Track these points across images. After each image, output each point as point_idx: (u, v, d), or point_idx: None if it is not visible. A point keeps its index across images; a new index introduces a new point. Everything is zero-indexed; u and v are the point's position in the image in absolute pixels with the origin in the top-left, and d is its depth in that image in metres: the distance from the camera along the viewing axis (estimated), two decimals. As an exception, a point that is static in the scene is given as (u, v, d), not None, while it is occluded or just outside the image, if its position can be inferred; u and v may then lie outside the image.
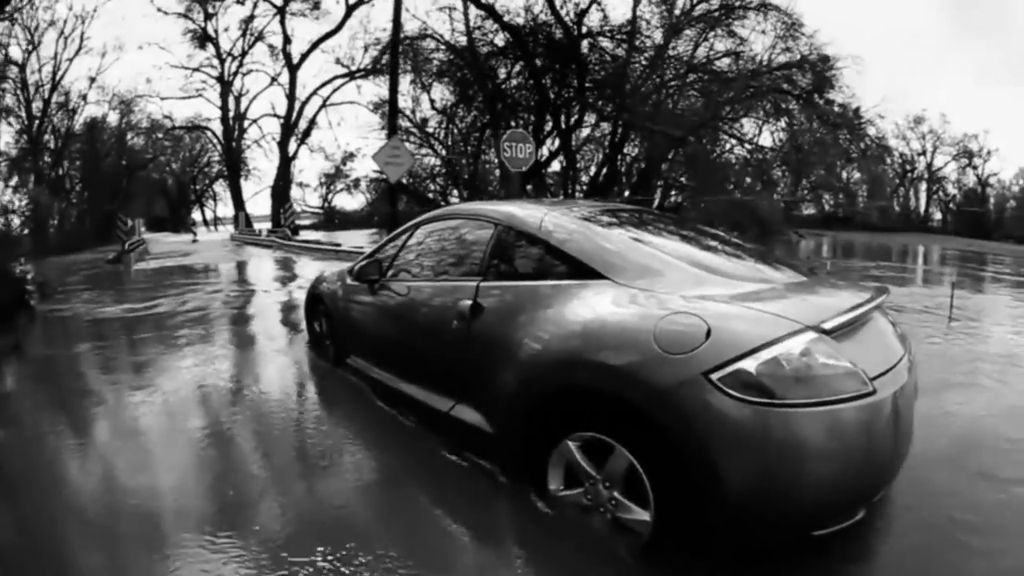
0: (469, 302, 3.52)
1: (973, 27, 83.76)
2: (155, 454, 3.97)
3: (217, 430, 4.31)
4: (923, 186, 46.70)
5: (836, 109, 30.30)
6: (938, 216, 46.53)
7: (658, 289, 2.87)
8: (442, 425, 3.72)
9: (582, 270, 3.15)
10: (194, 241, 32.74)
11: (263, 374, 5.78)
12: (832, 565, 2.70)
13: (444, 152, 33.03)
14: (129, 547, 2.91)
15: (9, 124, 36.26)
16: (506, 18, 28.94)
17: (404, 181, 29.58)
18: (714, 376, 2.39)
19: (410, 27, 29.70)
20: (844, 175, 36.37)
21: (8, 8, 31.01)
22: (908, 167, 45.30)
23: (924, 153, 46.03)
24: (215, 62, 44.14)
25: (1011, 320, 9.24)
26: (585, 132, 32.33)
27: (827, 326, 2.52)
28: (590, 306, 2.94)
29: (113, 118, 43.15)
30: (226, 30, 51.12)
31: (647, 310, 2.74)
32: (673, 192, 31.18)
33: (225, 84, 44.78)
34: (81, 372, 6.12)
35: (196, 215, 51.40)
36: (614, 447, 2.67)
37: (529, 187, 26.43)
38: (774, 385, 2.35)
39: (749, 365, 2.38)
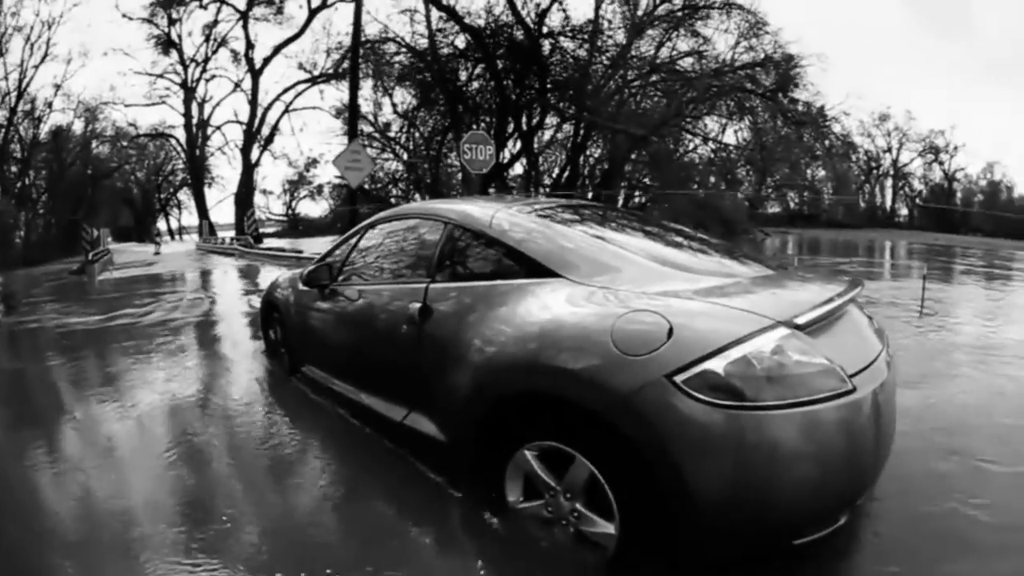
0: (418, 305, 3.35)
1: (938, 23, 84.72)
2: (111, 469, 3.80)
3: (173, 442, 4.14)
4: (889, 182, 47.00)
5: (800, 107, 30.60)
6: (904, 212, 46.87)
7: (617, 286, 2.68)
8: (398, 435, 3.55)
9: (535, 268, 2.97)
10: (157, 253, 31.64)
11: (218, 385, 5.55)
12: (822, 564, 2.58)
13: (406, 156, 32.99)
14: (101, 555, 2.83)
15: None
16: (467, 20, 29.01)
17: (366, 186, 29.50)
18: (678, 378, 2.22)
19: (372, 30, 29.82)
20: (809, 173, 36.71)
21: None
22: (873, 164, 45.46)
23: (890, 150, 46.27)
24: (179, 68, 43.76)
25: (981, 312, 9.21)
26: (548, 134, 32.48)
27: (800, 321, 2.36)
28: (543, 305, 2.76)
29: (78, 126, 42.77)
30: (189, 35, 50.38)
31: (604, 308, 2.56)
32: (637, 192, 31.22)
33: (188, 90, 44.40)
34: (43, 384, 5.97)
35: (161, 224, 50.71)
36: (574, 456, 2.48)
37: (491, 190, 26.31)
38: (744, 386, 2.19)
39: (716, 365, 2.21)
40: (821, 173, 38.05)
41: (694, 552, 2.29)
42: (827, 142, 33.19)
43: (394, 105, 33.03)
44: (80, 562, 2.85)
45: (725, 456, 2.18)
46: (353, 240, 4.57)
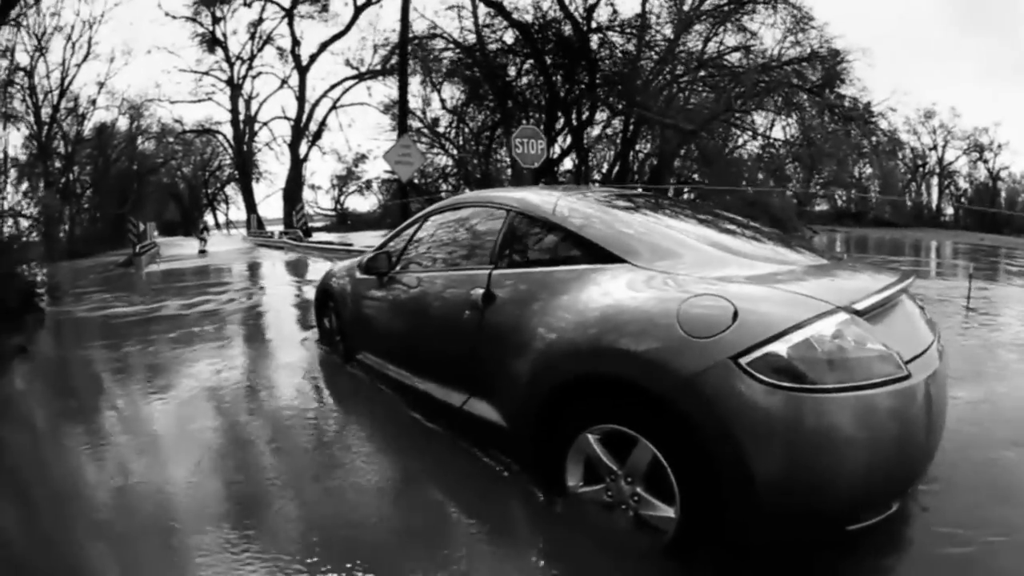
0: (481, 291, 3.41)
1: (981, 22, 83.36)
2: (163, 452, 3.88)
3: (225, 428, 4.27)
4: (935, 181, 46.33)
5: (847, 103, 30.30)
6: (950, 211, 45.93)
7: (679, 271, 2.73)
8: (456, 421, 3.60)
9: (599, 254, 3.02)
10: (202, 252, 26.87)
11: (271, 372, 5.70)
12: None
13: (455, 152, 33.15)
14: (144, 548, 2.82)
15: (18, 130, 36.36)
16: (515, 15, 29.09)
17: (416, 181, 29.73)
18: (743, 360, 2.27)
19: (419, 27, 30.03)
20: (856, 170, 36.42)
21: (13, 13, 31.06)
22: (920, 162, 44.84)
23: (935, 147, 45.53)
24: (224, 65, 44.35)
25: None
26: (596, 130, 32.43)
27: (859, 307, 2.41)
28: (608, 291, 2.80)
29: (123, 123, 43.26)
30: (234, 33, 51.15)
31: (669, 293, 2.60)
32: (686, 188, 30.94)
33: (235, 87, 44.97)
34: (90, 372, 6.04)
35: (208, 218, 51.08)
36: (637, 439, 2.53)
37: (542, 184, 26.37)
38: (806, 369, 2.23)
39: (780, 348, 2.26)
40: (868, 171, 37.77)
41: (752, 535, 2.34)
42: (874, 138, 32.86)
43: (442, 101, 33.27)
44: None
45: (785, 438, 2.22)
46: (411, 230, 4.64)
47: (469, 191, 31.84)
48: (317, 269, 16.10)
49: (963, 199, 45.03)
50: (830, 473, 2.24)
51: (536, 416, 2.92)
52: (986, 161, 45.68)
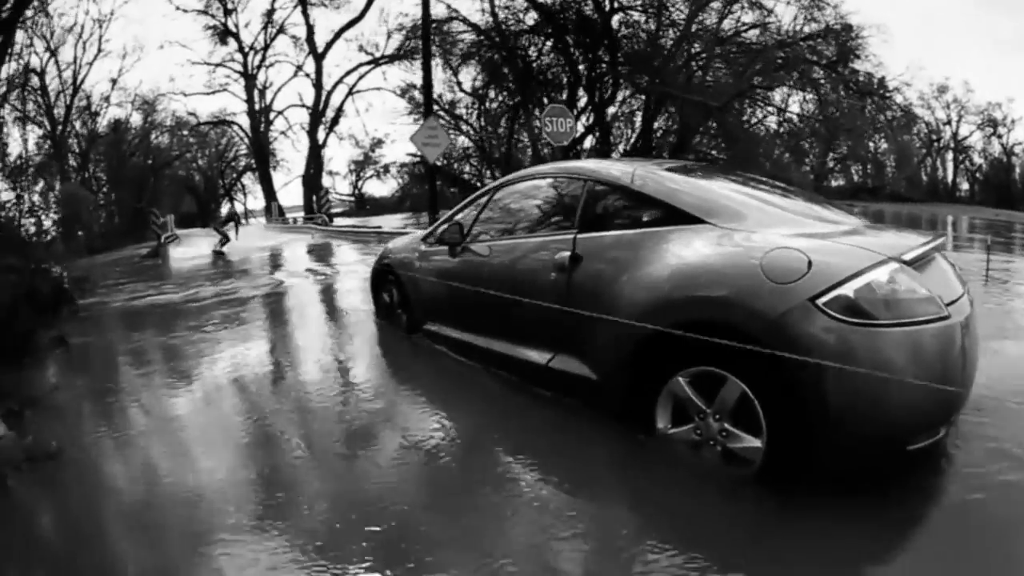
0: (568, 253, 3.65)
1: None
2: (236, 436, 3.85)
3: (331, 386, 4.64)
4: (949, 156, 46.36)
5: (862, 78, 30.71)
6: (965, 186, 46.33)
7: (753, 229, 3.07)
8: (539, 378, 3.84)
9: (681, 216, 3.30)
10: (221, 248, 18.98)
11: (343, 346, 5.94)
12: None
13: (474, 134, 33.35)
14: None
15: (32, 131, 36.60)
16: None
17: (439, 163, 29.95)
18: (819, 301, 2.60)
19: (437, 11, 30.09)
20: (871, 146, 36.51)
21: (22, 17, 31.19)
22: (934, 137, 44.86)
23: (949, 123, 45.48)
24: (238, 57, 44.39)
25: None
26: (614, 109, 32.58)
27: (907, 257, 2.75)
28: (694, 248, 3.11)
29: (137, 118, 43.44)
30: (247, 25, 51.01)
31: (751, 246, 2.94)
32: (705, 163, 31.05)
33: (249, 78, 45.02)
34: (133, 359, 6.04)
35: (225, 207, 50.36)
36: (726, 378, 2.81)
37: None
38: (870, 307, 2.58)
39: (848, 290, 2.60)
40: (884, 146, 37.78)
41: (831, 460, 2.66)
42: (889, 113, 33.12)
43: (459, 83, 33.35)
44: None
45: (856, 368, 2.50)
46: (482, 201, 4.82)
47: (491, 173, 32.27)
48: (346, 253, 16.15)
49: (978, 174, 45.18)
50: (891, 398, 2.55)
51: (630, 365, 3.20)
52: (1000, 136, 45.62)
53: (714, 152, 31.03)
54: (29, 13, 31.80)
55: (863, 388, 2.52)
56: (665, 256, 3.19)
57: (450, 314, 4.90)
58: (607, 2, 28.87)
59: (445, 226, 4.93)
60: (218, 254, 18.06)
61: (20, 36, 33.06)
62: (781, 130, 31.59)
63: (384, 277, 5.99)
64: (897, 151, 37.37)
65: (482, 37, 31.03)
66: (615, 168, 3.88)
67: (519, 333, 4.09)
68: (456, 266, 4.72)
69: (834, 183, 36.26)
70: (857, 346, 2.55)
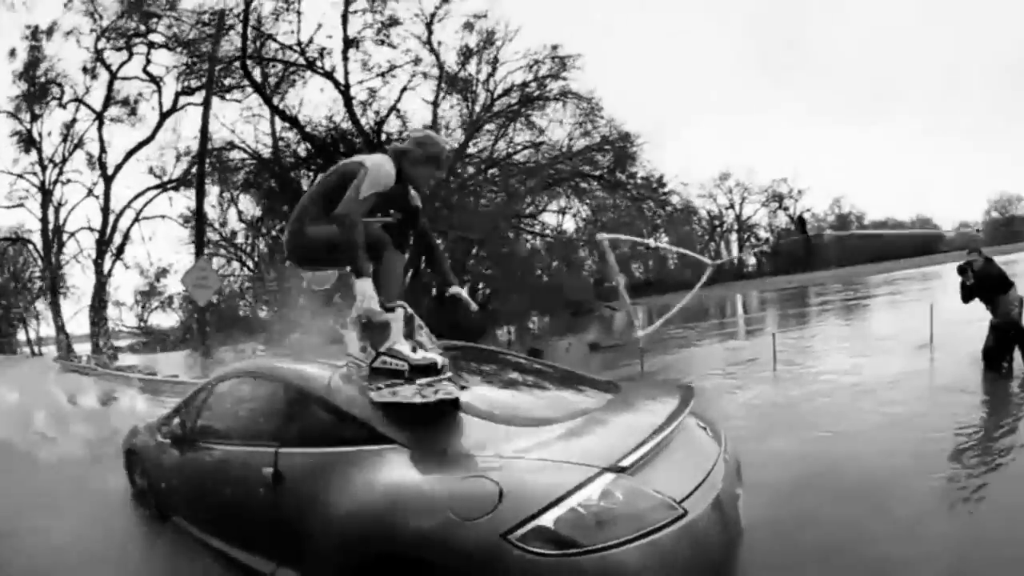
0: (270, 470, 3.45)
1: (770, 73, 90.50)
2: None
3: None
4: (734, 236, 49.29)
5: (639, 181, 32.00)
6: (752, 261, 49.21)
7: (453, 449, 2.91)
8: None
9: (374, 435, 3.10)
10: None
11: (86, 531, 5.43)
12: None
13: (253, 268, 32.77)
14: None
15: None
16: (309, 128, 29.52)
17: (214, 300, 29.26)
18: (513, 537, 2.43)
19: (220, 136, 30.01)
20: (652, 241, 37.67)
21: None
22: (716, 222, 47.90)
23: (732, 206, 48.98)
24: (38, 169, 42.33)
25: (826, 356, 10.60)
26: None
27: (625, 463, 2.58)
28: (386, 475, 2.90)
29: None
30: (49, 134, 48.66)
31: (440, 476, 2.77)
32: (481, 284, 31.39)
33: (46, 193, 42.82)
34: None
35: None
36: None
37: (337, 299, 26.10)
38: (576, 534, 2.40)
39: (547, 520, 2.43)
40: (665, 240, 39.14)
41: None
42: (668, 208, 34.57)
43: (239, 212, 32.88)
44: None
45: None
46: (202, 395, 4.67)
47: (266, 310, 31.06)
48: (125, 401, 15.35)
49: (765, 247, 47.90)
50: None
51: None
52: (786, 208, 49.61)
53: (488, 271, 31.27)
54: None
55: None
56: (357, 483, 2.98)
57: (187, 511, 4.69)
58: (375, 135, 29.11)
59: (168, 420, 4.79)
60: None
61: None
62: (554, 244, 32.33)
63: (132, 459, 5.82)
64: (678, 242, 39.00)
65: (260, 166, 30.80)
66: (314, 371, 3.73)
67: (245, 541, 3.88)
68: (183, 464, 4.53)
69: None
70: None
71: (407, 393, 3.21)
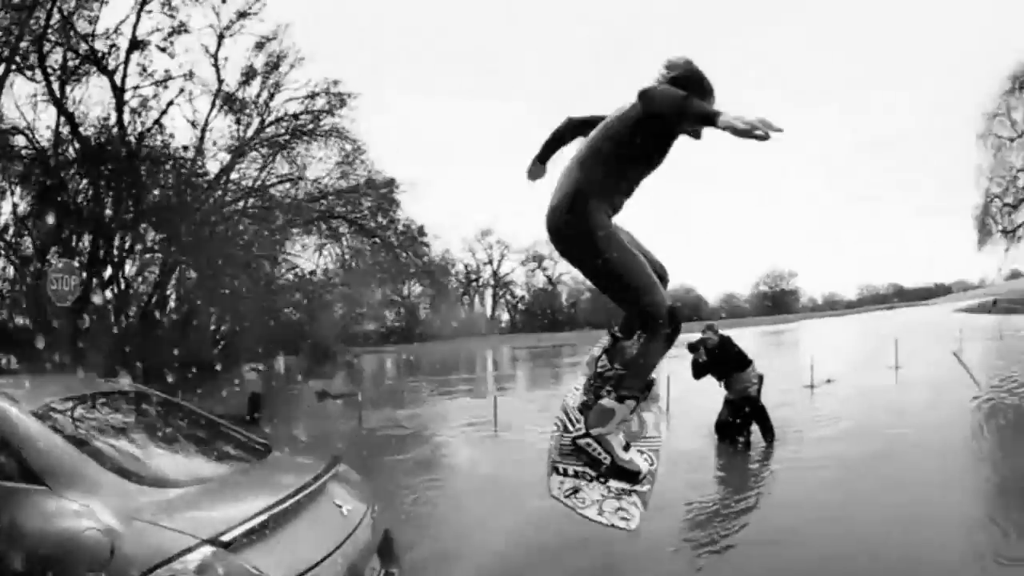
0: None
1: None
2: None
3: None
4: (489, 292, 52.37)
5: (400, 228, 33.67)
6: (506, 317, 51.67)
7: (88, 500, 2.72)
8: None
9: (29, 473, 2.85)
10: None
11: None
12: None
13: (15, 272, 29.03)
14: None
15: None
16: (82, 129, 27.97)
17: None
18: None
19: (12, 117, 27.53)
20: (405, 290, 39.44)
21: None
22: (473, 276, 51.09)
23: (491, 261, 52.40)
24: None
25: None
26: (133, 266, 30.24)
27: (227, 538, 2.50)
28: (32, 517, 2.72)
29: None
30: None
31: (75, 524, 2.62)
32: (227, 318, 30.56)
33: None
34: None
35: None
36: None
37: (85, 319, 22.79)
38: None
39: None
40: (418, 289, 40.63)
41: None
42: (426, 258, 36.25)
43: (15, 205, 29.14)
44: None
45: None
46: None
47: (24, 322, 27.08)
48: None
49: (519, 305, 51.71)
50: None
51: None
52: (545, 269, 52.56)
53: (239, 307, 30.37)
54: None
55: None
56: (13, 520, 2.73)
57: None
58: (136, 148, 28.12)
59: None
60: None
61: None
62: (301, 283, 32.69)
63: None
64: (433, 292, 40.30)
65: (37, 159, 28.28)
66: None
67: None
68: None
69: (368, 327, 38.49)
70: None
71: (587, 496, 3.21)
